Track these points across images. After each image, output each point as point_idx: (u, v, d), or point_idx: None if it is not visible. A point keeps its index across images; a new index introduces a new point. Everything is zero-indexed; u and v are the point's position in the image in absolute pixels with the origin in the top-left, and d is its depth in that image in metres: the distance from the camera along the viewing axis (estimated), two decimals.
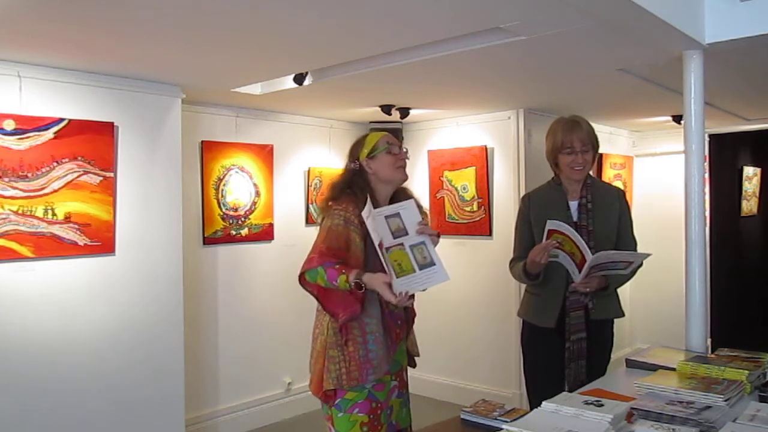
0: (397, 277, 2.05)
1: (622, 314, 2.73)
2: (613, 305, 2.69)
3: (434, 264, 2.10)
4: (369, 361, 2.19)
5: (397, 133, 5.15)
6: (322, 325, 2.27)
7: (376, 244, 2.05)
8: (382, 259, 2.04)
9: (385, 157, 2.31)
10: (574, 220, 2.64)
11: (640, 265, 2.66)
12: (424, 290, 2.13)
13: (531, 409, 1.87)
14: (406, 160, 2.38)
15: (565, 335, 2.59)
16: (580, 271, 2.40)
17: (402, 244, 2.10)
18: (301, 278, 2.21)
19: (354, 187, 2.29)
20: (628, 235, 2.69)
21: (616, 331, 2.81)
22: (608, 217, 2.66)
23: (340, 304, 2.17)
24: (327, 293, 2.19)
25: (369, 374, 2.19)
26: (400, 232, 2.11)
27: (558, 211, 2.65)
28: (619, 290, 2.71)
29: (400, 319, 2.32)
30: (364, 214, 2.09)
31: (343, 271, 2.09)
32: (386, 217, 2.11)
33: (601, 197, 2.70)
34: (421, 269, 2.09)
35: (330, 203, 2.29)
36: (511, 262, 2.78)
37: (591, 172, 2.74)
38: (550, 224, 2.41)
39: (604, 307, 2.64)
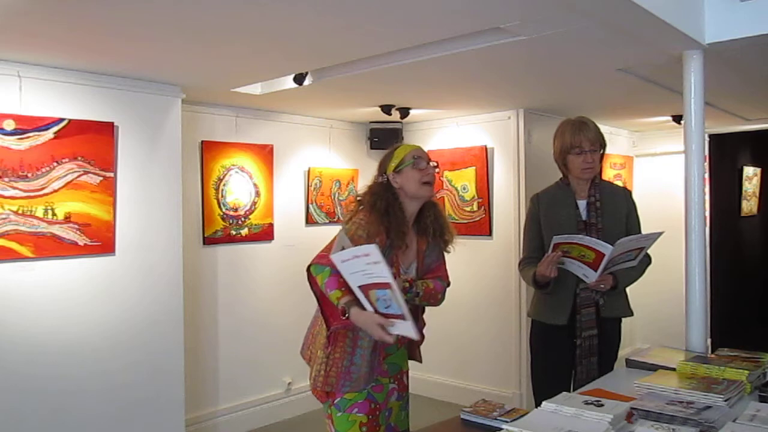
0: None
1: (630, 313, 2.77)
2: (622, 304, 2.73)
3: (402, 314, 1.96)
4: (349, 373, 2.16)
5: (397, 133, 5.15)
6: (321, 325, 2.26)
7: (356, 286, 1.96)
8: (364, 300, 1.95)
9: (410, 172, 2.23)
10: (583, 218, 2.67)
11: (649, 263, 2.69)
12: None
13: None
14: (434, 175, 2.29)
15: (576, 332, 2.62)
16: (595, 270, 2.39)
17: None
18: (309, 270, 2.15)
19: (379, 203, 2.20)
20: (636, 233, 2.70)
21: (622, 328, 2.82)
22: (617, 215, 2.70)
23: (335, 313, 2.12)
24: (325, 297, 2.15)
25: (344, 386, 2.16)
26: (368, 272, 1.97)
27: (567, 210, 2.69)
28: None
29: None
30: (337, 259, 1.97)
31: (343, 288, 2.03)
32: (355, 257, 1.95)
33: (609, 196, 2.73)
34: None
35: (355, 215, 2.23)
36: (520, 263, 2.80)
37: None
38: (556, 239, 2.42)
39: (614, 305, 2.68)
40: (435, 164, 2.32)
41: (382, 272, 1.88)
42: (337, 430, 2.20)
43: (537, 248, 2.71)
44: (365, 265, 1.91)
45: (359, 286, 1.96)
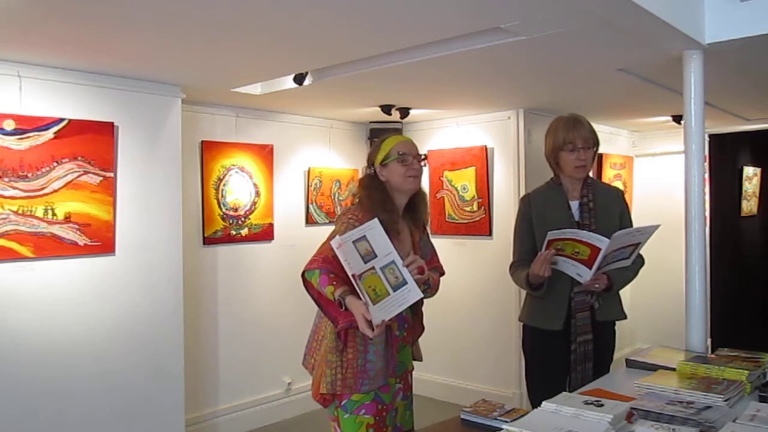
0: (374, 304, 1.95)
1: (624, 316, 2.73)
2: (617, 307, 2.69)
3: (406, 282, 1.99)
4: (366, 371, 2.16)
5: (397, 133, 5.14)
6: (326, 329, 2.25)
7: (350, 275, 1.97)
8: (358, 290, 1.97)
9: (395, 166, 2.26)
10: (576, 219, 2.63)
11: (642, 264, 2.66)
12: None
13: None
14: (422, 168, 2.33)
15: (571, 337, 2.57)
16: (590, 268, 2.35)
17: (373, 268, 1.99)
18: (303, 276, 2.17)
19: (372, 195, 2.25)
20: None
21: (617, 331, 2.81)
22: (609, 216, 2.65)
23: (340, 312, 2.11)
24: (325, 298, 2.15)
25: (363, 384, 2.16)
26: (369, 256, 1.99)
27: (559, 211, 2.64)
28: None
29: (407, 322, 2.31)
30: (334, 244, 2.00)
31: (334, 282, 2.05)
32: (354, 242, 1.99)
33: (601, 197, 2.69)
34: (394, 290, 1.98)
35: (346, 208, 2.29)
36: (511, 266, 2.74)
37: (591, 173, 2.73)
38: (550, 234, 2.38)
39: (609, 308, 2.64)
40: (423, 156, 2.35)
41: (385, 246, 1.98)
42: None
43: (529, 250, 2.63)
44: (365, 249, 1.97)
45: (352, 275, 1.97)
